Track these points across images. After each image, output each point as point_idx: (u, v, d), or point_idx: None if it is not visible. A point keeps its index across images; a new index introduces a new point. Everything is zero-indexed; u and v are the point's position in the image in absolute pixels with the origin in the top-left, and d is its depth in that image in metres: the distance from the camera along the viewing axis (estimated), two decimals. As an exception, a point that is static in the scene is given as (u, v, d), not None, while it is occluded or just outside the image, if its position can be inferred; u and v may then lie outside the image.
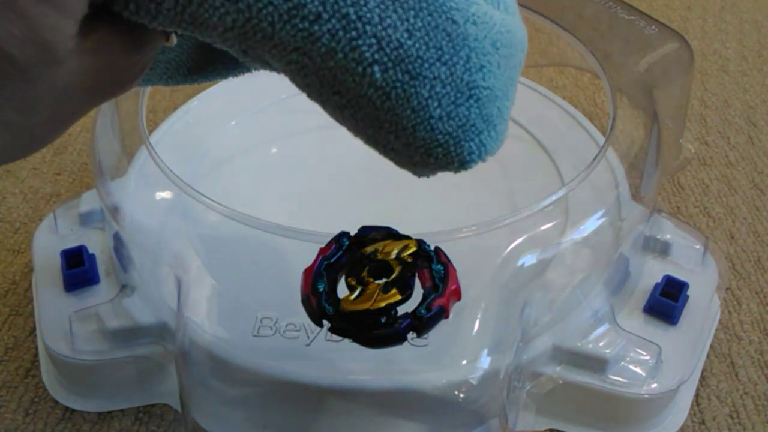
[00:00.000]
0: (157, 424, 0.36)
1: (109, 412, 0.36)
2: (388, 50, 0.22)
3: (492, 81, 0.23)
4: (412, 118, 0.22)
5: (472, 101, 0.23)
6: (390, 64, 0.22)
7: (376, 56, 0.22)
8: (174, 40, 0.24)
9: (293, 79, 0.23)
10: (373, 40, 0.21)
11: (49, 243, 0.40)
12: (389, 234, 0.29)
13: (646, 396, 0.33)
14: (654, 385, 0.34)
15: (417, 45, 0.22)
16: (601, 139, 0.42)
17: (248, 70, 0.28)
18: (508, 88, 0.24)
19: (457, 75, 0.22)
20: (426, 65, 0.22)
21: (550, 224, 0.35)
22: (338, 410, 0.32)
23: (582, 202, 0.36)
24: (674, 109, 0.42)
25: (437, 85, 0.22)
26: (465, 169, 0.24)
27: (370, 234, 0.29)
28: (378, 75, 0.22)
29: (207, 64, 0.28)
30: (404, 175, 0.41)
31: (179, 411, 0.35)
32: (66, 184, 0.49)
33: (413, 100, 0.22)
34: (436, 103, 0.22)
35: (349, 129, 0.24)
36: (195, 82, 0.29)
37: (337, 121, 0.24)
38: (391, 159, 0.24)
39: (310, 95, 0.23)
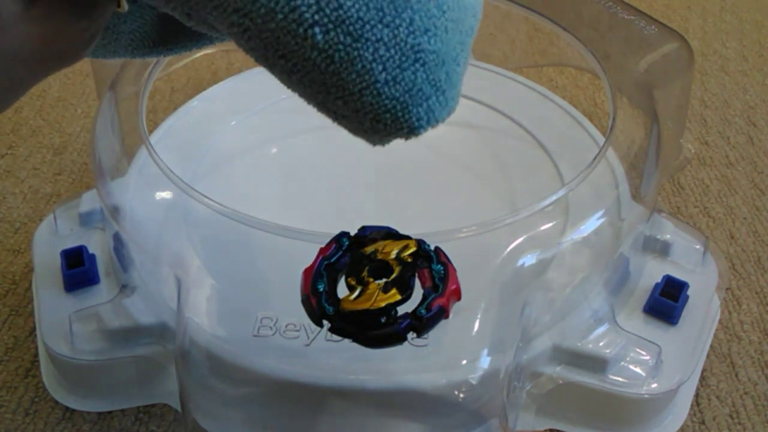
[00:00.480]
0: (157, 424, 0.36)
1: (109, 412, 0.36)
2: (327, 11, 0.21)
3: (438, 45, 0.23)
4: (358, 82, 0.22)
5: (418, 65, 0.22)
6: (331, 26, 0.22)
7: (316, 17, 0.21)
8: (125, 5, 0.24)
9: (238, 43, 0.23)
10: (312, 1, 0.21)
11: (49, 243, 0.40)
12: (389, 234, 0.29)
13: (646, 396, 0.33)
14: (654, 385, 0.34)
15: (357, 6, 0.22)
16: (601, 139, 0.42)
17: (212, 42, 0.28)
18: (458, 54, 0.24)
19: (400, 38, 0.22)
20: (368, 27, 0.22)
21: (550, 224, 0.35)
22: (338, 410, 0.32)
23: (582, 202, 0.36)
24: (674, 109, 0.42)
25: (380, 47, 0.22)
26: (415, 135, 0.23)
27: (370, 234, 0.29)
28: (319, 37, 0.22)
29: (171, 36, 0.28)
30: (404, 175, 0.41)
31: (179, 411, 0.35)
32: (66, 185, 0.49)
33: (357, 63, 0.22)
34: (380, 67, 0.22)
35: (301, 95, 0.24)
36: (161, 54, 0.28)
37: (288, 87, 0.24)
38: (345, 126, 0.24)
39: (257, 60, 0.23)
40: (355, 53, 0.22)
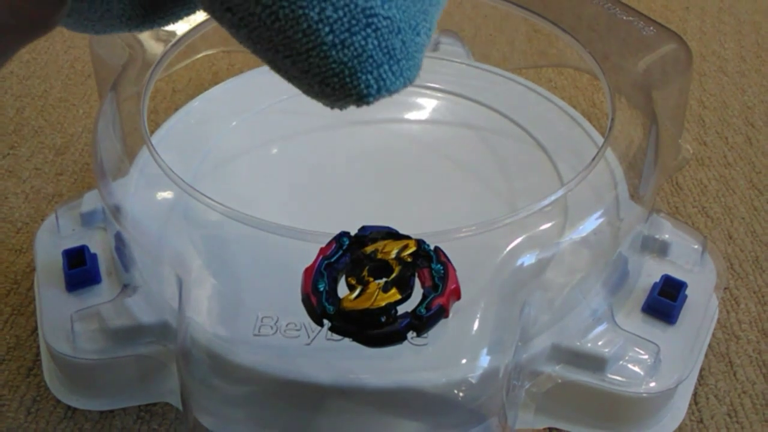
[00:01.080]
0: (159, 423, 0.36)
1: (111, 411, 0.36)
2: None
3: (393, 11, 0.22)
4: (304, 43, 0.21)
5: (369, 30, 0.22)
6: None
7: None
8: None
9: None
10: None
11: (50, 243, 0.40)
12: (389, 234, 0.29)
13: (644, 395, 0.34)
14: (652, 384, 0.34)
15: None
16: (600, 140, 0.42)
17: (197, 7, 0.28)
18: (418, 23, 0.23)
19: None
20: None
21: (549, 224, 0.35)
22: (338, 409, 0.32)
23: (581, 202, 0.36)
24: (673, 109, 0.42)
25: (327, 7, 0.21)
26: (366, 103, 0.23)
27: (370, 234, 0.29)
28: None
29: (159, 3, 0.27)
30: (404, 175, 0.41)
31: (180, 410, 0.35)
32: (68, 185, 0.49)
33: (302, 23, 0.21)
34: (327, 29, 0.21)
35: (252, 52, 0.23)
36: (154, 25, 0.28)
37: (239, 42, 0.23)
38: (298, 88, 0.23)
39: (206, 11, 0.23)
40: (300, 11, 0.21)
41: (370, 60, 0.22)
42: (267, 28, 0.22)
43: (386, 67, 0.22)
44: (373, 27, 0.22)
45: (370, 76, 0.22)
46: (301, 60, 0.22)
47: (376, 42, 0.22)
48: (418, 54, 0.23)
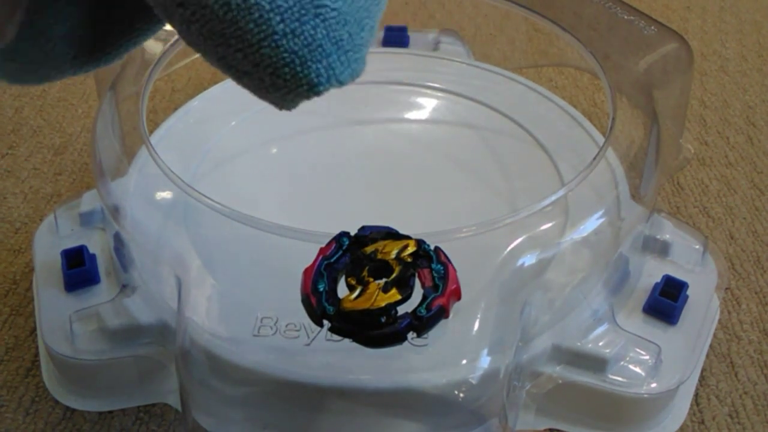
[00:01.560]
0: (158, 424, 0.36)
1: (110, 412, 0.36)
2: None
3: (340, 3, 0.23)
4: (256, 33, 0.22)
5: (318, 20, 0.22)
6: None
7: None
8: None
9: None
10: None
11: (49, 243, 0.40)
12: (389, 234, 0.29)
13: (645, 395, 0.34)
14: (653, 385, 0.34)
15: None
16: (601, 139, 0.42)
17: (146, 36, 0.28)
18: (362, 18, 0.24)
19: None
20: None
21: (550, 224, 0.35)
22: (338, 410, 0.32)
23: (582, 202, 0.36)
24: (674, 109, 0.42)
25: None
26: (316, 93, 0.23)
27: (370, 234, 0.29)
28: None
29: (107, 37, 0.28)
30: (404, 175, 0.41)
31: (180, 410, 0.35)
32: (66, 185, 0.49)
33: (254, 12, 0.22)
34: (278, 18, 0.22)
35: (202, 53, 0.24)
36: (105, 61, 0.28)
37: (189, 43, 0.24)
38: (248, 87, 0.24)
39: (156, 9, 0.23)
40: (252, 1, 0.22)
41: (320, 49, 0.23)
42: (219, 20, 0.22)
43: (335, 56, 0.23)
44: (322, 17, 0.22)
45: (320, 65, 0.23)
46: (253, 51, 0.22)
47: (324, 32, 0.23)
48: (363, 48, 0.24)
